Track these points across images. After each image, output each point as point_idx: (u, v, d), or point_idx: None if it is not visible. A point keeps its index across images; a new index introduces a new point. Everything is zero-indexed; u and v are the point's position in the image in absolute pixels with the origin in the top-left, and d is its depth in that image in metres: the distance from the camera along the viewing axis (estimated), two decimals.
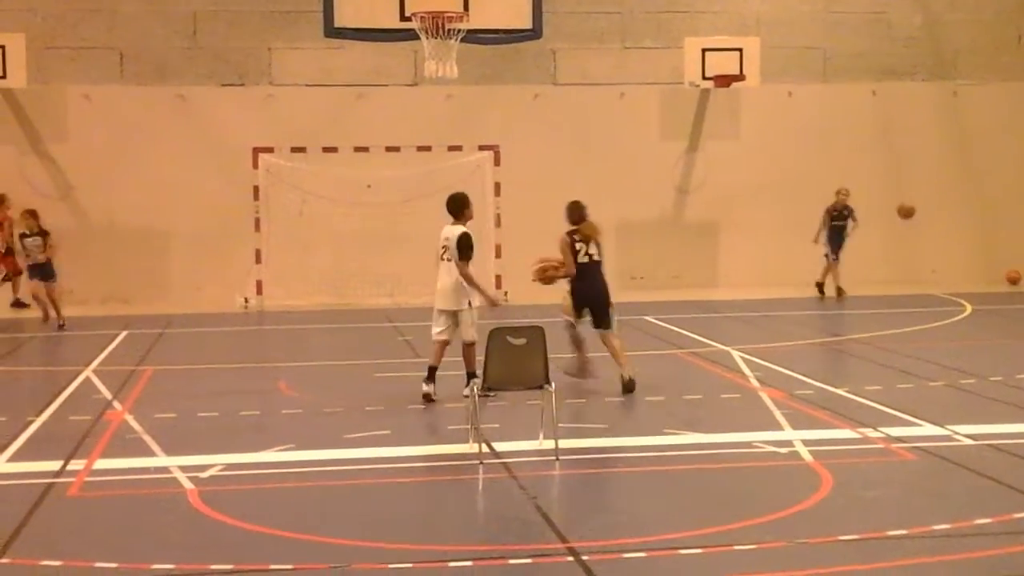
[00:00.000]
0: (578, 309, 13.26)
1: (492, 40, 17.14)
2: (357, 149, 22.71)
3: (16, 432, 11.22)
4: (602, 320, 13.20)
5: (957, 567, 7.27)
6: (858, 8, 24.94)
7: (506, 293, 21.64)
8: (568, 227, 13.22)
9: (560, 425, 10.19)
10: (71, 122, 22.90)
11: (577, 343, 13.36)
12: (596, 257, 13.24)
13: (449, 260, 12.43)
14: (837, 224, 22.47)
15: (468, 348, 12.51)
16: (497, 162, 22.87)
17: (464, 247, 12.32)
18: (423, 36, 15.58)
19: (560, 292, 13.44)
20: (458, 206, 12.61)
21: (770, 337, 17.43)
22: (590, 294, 13.19)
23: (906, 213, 21.11)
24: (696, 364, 14.98)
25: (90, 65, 23.00)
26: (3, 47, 21.69)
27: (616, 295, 13.43)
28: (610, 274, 13.53)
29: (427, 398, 12.42)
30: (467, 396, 12.11)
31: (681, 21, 24.29)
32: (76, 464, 9.93)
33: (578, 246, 13.15)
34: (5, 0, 22.69)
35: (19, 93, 22.44)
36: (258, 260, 22.49)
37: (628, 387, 12.79)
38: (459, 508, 8.80)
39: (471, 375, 12.20)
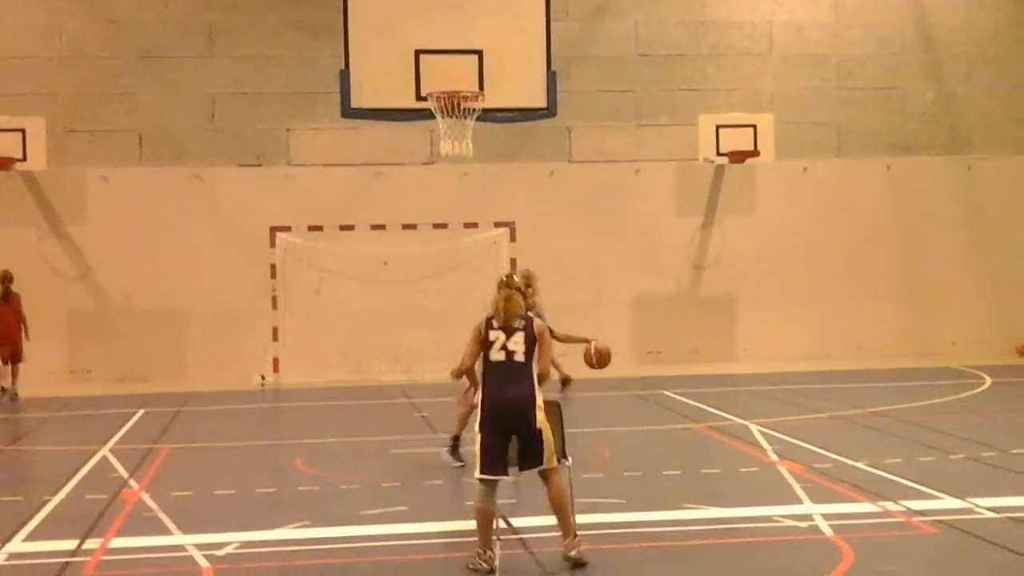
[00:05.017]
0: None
1: (507, 119, 17.20)
2: (374, 227, 22.83)
3: (32, 511, 11.20)
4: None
5: None
6: (872, 84, 25.07)
7: None
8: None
9: (577, 500, 10.12)
10: (90, 203, 23.09)
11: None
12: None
13: None
14: None
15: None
16: (513, 238, 22.94)
17: None
18: (439, 115, 15.66)
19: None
20: None
21: (788, 410, 17.33)
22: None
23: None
24: (714, 438, 14.90)
25: (109, 147, 23.23)
26: (23, 131, 21.93)
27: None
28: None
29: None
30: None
31: (695, 98, 24.44)
32: (92, 543, 9.89)
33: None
34: (26, 84, 23.00)
35: (39, 175, 22.66)
36: (275, 338, 22.54)
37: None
38: None
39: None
